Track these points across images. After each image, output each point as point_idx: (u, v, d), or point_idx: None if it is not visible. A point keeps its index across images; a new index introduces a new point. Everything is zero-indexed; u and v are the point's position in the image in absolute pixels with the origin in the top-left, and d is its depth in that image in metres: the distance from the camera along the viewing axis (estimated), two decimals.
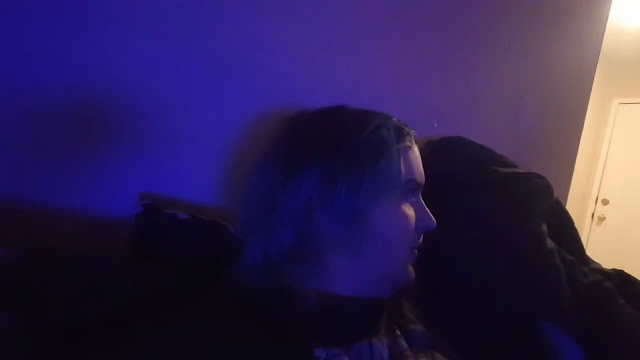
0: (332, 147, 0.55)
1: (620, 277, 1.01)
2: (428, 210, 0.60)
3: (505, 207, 0.84)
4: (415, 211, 0.58)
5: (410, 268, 0.60)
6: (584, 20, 1.53)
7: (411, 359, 0.48)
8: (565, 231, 0.98)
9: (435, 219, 0.61)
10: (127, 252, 0.63)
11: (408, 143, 0.58)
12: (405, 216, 0.57)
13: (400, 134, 0.58)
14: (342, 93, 0.59)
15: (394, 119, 0.60)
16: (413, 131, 0.61)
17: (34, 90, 0.61)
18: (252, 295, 0.51)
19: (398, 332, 0.53)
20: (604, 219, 4.03)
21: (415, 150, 0.60)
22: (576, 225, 1.08)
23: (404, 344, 0.51)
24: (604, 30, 1.62)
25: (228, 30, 0.75)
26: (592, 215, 4.17)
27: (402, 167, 0.56)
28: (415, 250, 0.60)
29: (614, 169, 4.03)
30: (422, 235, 0.60)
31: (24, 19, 0.58)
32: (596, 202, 4.15)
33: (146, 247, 0.62)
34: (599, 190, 4.17)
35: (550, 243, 0.88)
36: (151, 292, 0.50)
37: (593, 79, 1.65)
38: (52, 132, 0.62)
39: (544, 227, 0.88)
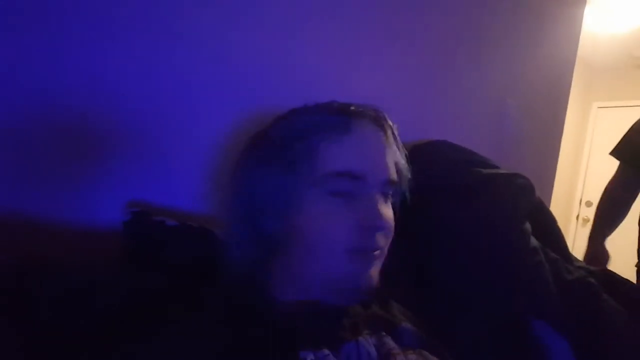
0: (261, 144, 0.56)
1: (604, 275, 1.04)
2: (376, 206, 0.51)
3: (490, 208, 0.85)
4: (357, 207, 0.51)
5: (370, 273, 0.52)
6: (559, 25, 1.58)
7: (400, 356, 0.48)
8: (548, 230, 1.00)
9: (423, 221, 0.60)
10: (117, 259, 0.63)
11: (341, 130, 0.52)
12: (329, 214, 0.51)
13: (333, 122, 0.53)
14: (328, 95, 0.60)
15: (336, 104, 0.55)
16: (374, 112, 0.55)
17: (13, 97, 0.60)
18: (237, 298, 0.52)
19: (384, 333, 0.52)
20: (588, 220, 4.10)
21: (363, 136, 0.54)
22: (562, 227, 1.11)
23: (391, 342, 0.50)
24: (579, 35, 1.68)
25: (213, 33, 0.76)
26: (577, 217, 4.24)
27: (322, 159, 0.51)
28: (375, 252, 0.53)
29: (596, 171, 4.10)
30: (376, 235, 0.52)
31: None
32: (580, 204, 4.22)
33: (135, 254, 0.62)
34: (582, 192, 4.25)
35: (534, 241, 0.90)
36: (141, 298, 0.51)
37: (571, 83, 1.70)
38: (35, 140, 0.62)
39: (528, 226, 0.90)
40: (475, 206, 0.86)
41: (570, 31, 1.64)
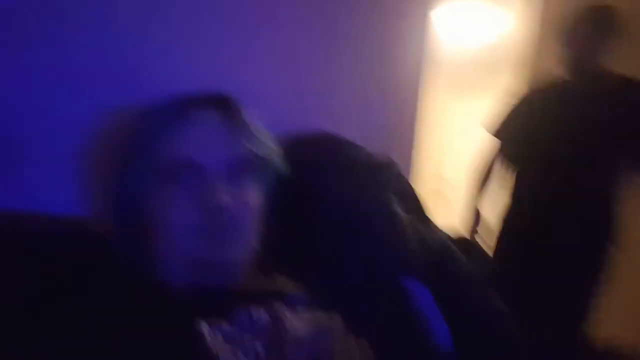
0: (119, 143, 0.61)
1: (461, 241, 1.25)
2: (219, 187, 0.54)
3: (360, 184, 0.97)
4: (201, 190, 0.54)
5: (229, 249, 0.56)
6: (410, 25, 1.81)
7: (290, 316, 0.53)
8: (410, 200, 1.16)
9: (307, 202, 0.66)
10: None
11: (181, 120, 0.56)
12: (176, 199, 0.55)
13: (174, 112, 0.57)
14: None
15: (180, 96, 0.58)
16: (219, 99, 0.58)
17: None
18: (123, 284, 0.53)
19: (273, 301, 0.57)
20: (444, 194, 4.73)
21: (203, 123, 0.57)
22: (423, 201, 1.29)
23: (280, 306, 0.55)
24: (425, 37, 1.94)
25: (61, 35, 0.72)
26: (438, 193, 4.86)
27: (165, 149, 0.55)
28: (226, 229, 0.55)
29: (450, 151, 4.78)
30: (221, 214, 0.54)
31: None
32: (441, 180, 4.85)
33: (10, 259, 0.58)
34: (441, 170, 4.89)
35: (400, 211, 1.04)
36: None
37: (419, 77, 1.94)
38: None
39: (394, 198, 1.04)
40: (349, 185, 0.97)
41: (420, 30, 1.88)
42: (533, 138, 1.68)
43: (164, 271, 0.57)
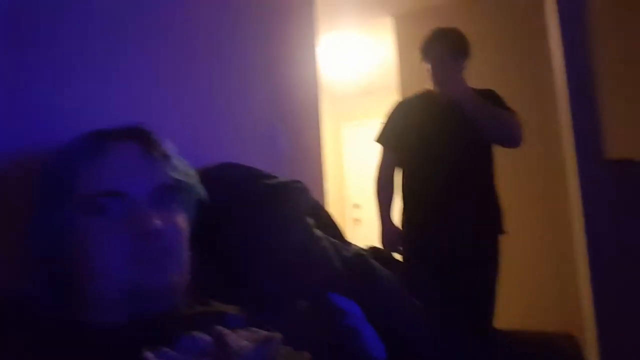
0: (37, 182, 0.59)
1: (373, 250, 1.34)
2: (144, 213, 0.55)
3: (278, 210, 1.01)
4: (126, 219, 0.55)
5: (161, 275, 0.55)
6: (300, 57, 1.95)
7: (231, 335, 0.53)
8: (326, 222, 1.23)
9: (229, 230, 0.66)
10: None
11: (98, 153, 0.56)
12: (102, 232, 0.54)
13: (90, 146, 0.57)
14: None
15: (95, 131, 0.59)
16: (134, 131, 0.59)
17: None
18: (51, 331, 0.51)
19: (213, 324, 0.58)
20: (359, 220, 4.90)
21: (120, 154, 0.57)
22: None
23: (219, 327, 0.54)
24: (317, 67, 2.09)
25: None
26: (350, 220, 5.02)
27: (84, 183, 0.55)
28: (157, 255, 0.55)
29: (356, 178, 4.98)
30: (149, 240, 0.54)
31: None
32: (351, 207, 5.03)
33: None
34: (350, 197, 5.07)
35: (317, 232, 1.10)
36: None
37: (318, 107, 2.08)
38: None
39: (311, 220, 1.09)
40: (267, 211, 1.00)
41: (310, 63, 2.03)
42: (409, 139, 1.84)
43: (97, 306, 0.54)
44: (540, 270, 2.75)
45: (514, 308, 2.24)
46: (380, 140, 1.97)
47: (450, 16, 2.96)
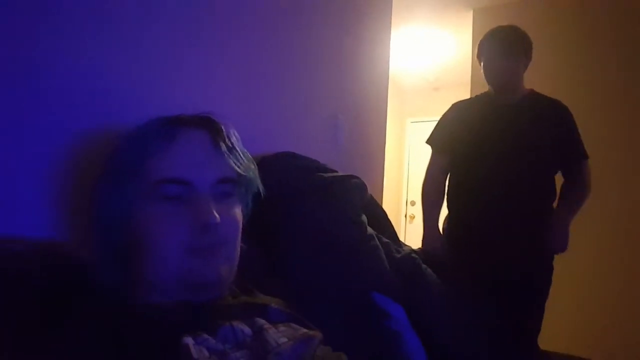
0: (105, 164, 0.61)
1: (422, 252, 1.30)
2: (206, 205, 0.56)
3: (332, 205, 1.00)
4: (189, 208, 0.55)
5: (215, 267, 0.56)
6: (373, 50, 1.91)
7: (271, 329, 0.54)
8: (379, 220, 1.20)
9: (279, 222, 0.67)
10: None
11: (166, 140, 0.57)
12: (164, 218, 0.55)
13: (159, 132, 0.58)
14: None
15: (164, 117, 0.60)
16: (203, 119, 0.60)
17: None
18: (107, 307, 0.53)
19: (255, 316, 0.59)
20: (414, 217, 4.80)
21: (188, 142, 0.58)
22: (393, 223, 1.33)
23: (261, 320, 0.56)
24: (389, 61, 2.04)
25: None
26: (405, 215, 4.93)
27: (151, 169, 0.56)
28: (214, 247, 0.56)
29: (415, 175, 4.86)
30: (210, 232, 0.55)
31: None
32: (407, 204, 4.93)
33: None
34: (407, 193, 4.97)
35: (369, 229, 1.08)
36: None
37: (387, 99, 2.04)
38: None
39: (364, 218, 1.07)
40: (320, 205, 1.00)
41: (382, 57, 1.98)
42: (461, 143, 1.73)
43: (149, 287, 0.57)
44: (602, 291, 2.52)
45: (563, 330, 2.08)
46: (431, 142, 1.87)
47: (533, 11, 2.75)
